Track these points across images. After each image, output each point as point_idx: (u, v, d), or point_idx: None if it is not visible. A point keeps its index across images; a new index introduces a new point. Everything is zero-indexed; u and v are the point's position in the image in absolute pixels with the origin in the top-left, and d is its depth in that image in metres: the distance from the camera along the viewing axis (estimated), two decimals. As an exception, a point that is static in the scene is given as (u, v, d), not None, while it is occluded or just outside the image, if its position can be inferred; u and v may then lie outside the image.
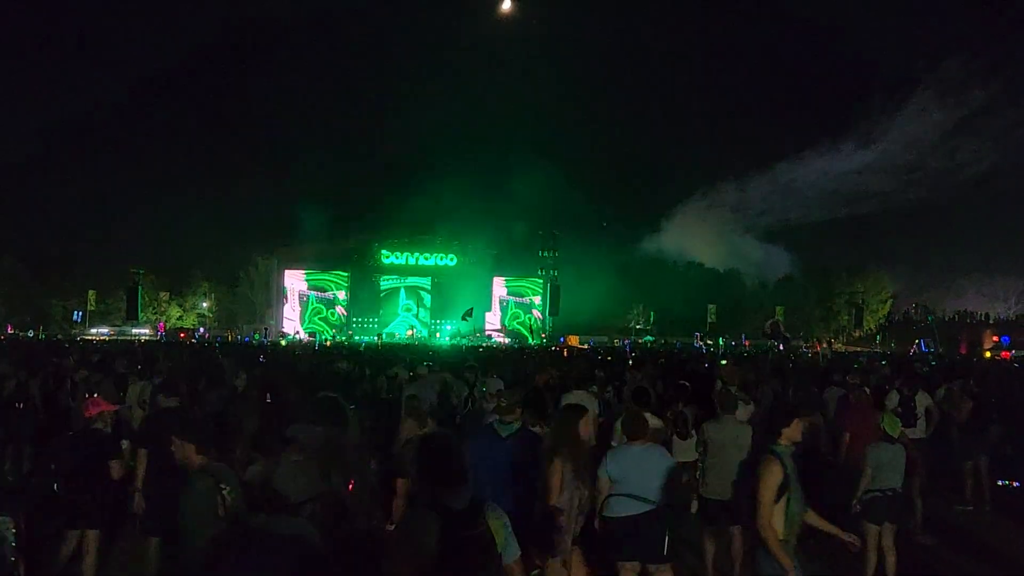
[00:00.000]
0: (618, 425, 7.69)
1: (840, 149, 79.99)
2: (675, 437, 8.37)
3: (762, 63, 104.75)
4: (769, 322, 60.83)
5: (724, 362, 20.63)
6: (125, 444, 7.09)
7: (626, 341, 55.32)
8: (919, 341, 53.78)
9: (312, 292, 62.93)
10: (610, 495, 5.99)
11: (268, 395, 11.08)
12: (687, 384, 9.50)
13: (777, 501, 4.76)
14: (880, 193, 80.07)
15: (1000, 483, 10.15)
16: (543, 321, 63.44)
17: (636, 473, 5.90)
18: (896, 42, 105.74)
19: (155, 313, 63.50)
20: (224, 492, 4.57)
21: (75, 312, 58.93)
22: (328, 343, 42.25)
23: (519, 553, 3.65)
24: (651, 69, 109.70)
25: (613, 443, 7.57)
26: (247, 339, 48.62)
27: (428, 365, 13.66)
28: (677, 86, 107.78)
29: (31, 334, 45.52)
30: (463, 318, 53.75)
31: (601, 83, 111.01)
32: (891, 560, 7.00)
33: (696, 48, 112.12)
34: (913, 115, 76.67)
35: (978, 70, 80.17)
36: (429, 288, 65.38)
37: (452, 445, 3.66)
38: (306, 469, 3.70)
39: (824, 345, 44.92)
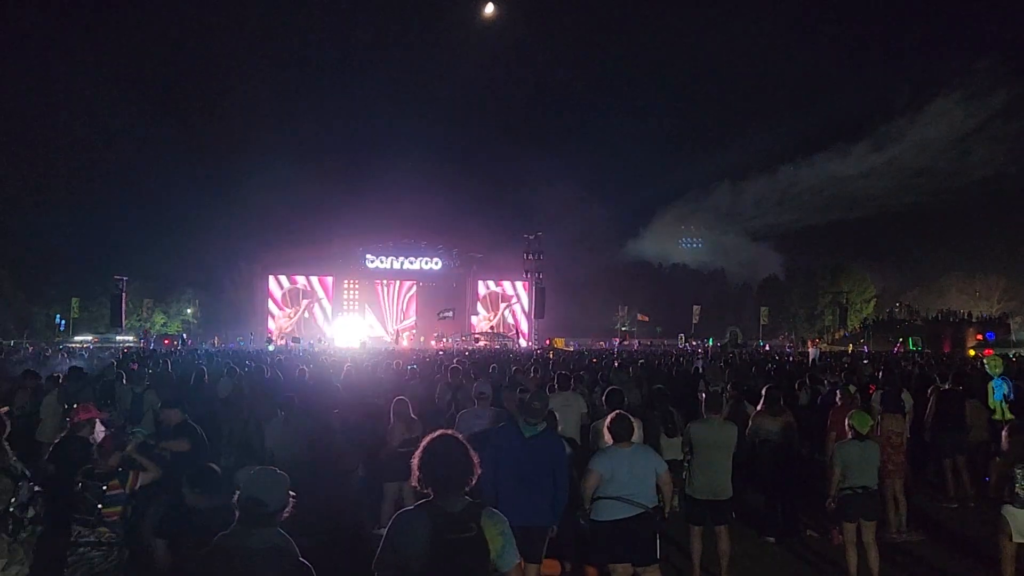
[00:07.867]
0: (600, 426, 7.67)
1: (851, 152, 78.81)
2: (663, 435, 8.36)
3: (777, 66, 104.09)
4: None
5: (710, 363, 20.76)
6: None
7: (615, 341, 55.39)
8: (900, 340, 53.93)
9: (297, 297, 62.72)
10: (598, 497, 5.79)
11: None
12: (663, 389, 9.47)
13: None
14: (879, 196, 79.32)
15: (986, 480, 10.19)
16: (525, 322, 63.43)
17: (627, 475, 5.72)
18: (920, 46, 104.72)
19: (138, 320, 62.94)
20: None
21: (60, 319, 58.21)
22: (315, 348, 42.04)
23: (518, 560, 3.55)
24: (648, 71, 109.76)
25: (601, 444, 7.56)
26: (231, 345, 48.23)
27: None
28: (673, 89, 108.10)
29: (12, 343, 44.97)
30: (439, 316, 53.88)
31: (590, 86, 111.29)
32: (873, 555, 7.02)
33: (705, 51, 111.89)
34: (931, 119, 75.32)
35: (1005, 74, 78.57)
36: (414, 292, 65.23)
37: (458, 448, 3.59)
38: (281, 478, 3.65)
39: (811, 346, 45.18)
